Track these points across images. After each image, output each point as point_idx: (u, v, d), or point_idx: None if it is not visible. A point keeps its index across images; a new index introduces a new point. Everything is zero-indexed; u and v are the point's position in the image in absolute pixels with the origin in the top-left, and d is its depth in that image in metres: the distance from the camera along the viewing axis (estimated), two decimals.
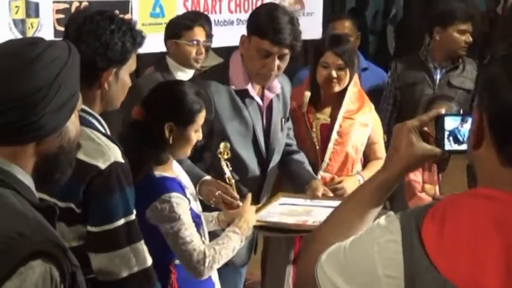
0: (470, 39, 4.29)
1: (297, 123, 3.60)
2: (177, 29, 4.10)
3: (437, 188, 3.73)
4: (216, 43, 4.57)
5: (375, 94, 4.16)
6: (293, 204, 3.17)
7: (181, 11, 5.15)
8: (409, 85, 4.35)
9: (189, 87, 2.64)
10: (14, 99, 1.45)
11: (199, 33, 4.08)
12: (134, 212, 2.14)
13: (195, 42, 4.06)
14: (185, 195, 2.60)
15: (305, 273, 1.44)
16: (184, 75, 3.99)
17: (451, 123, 1.52)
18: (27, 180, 1.50)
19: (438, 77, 4.34)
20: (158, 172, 2.59)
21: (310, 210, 3.07)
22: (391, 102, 4.45)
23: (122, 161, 2.10)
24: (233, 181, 2.93)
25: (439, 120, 1.53)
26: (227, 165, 2.96)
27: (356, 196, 1.57)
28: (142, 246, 2.14)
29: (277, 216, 3.02)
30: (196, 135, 2.64)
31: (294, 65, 3.66)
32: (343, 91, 3.63)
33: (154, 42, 5.13)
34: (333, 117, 3.62)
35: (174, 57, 4.10)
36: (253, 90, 3.17)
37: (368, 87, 4.22)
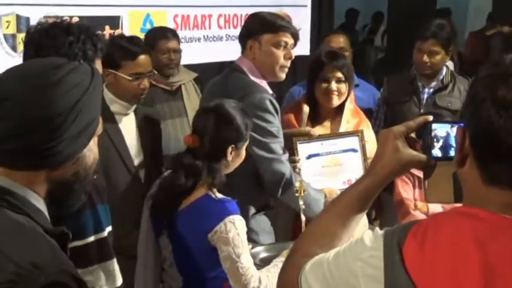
0: (426, 59, 4.23)
1: (289, 139, 3.59)
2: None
3: (431, 205, 3.71)
4: (205, 59, 4.62)
5: (366, 111, 4.21)
6: (317, 155, 3.51)
7: (171, 26, 5.19)
8: (398, 103, 4.37)
9: (233, 107, 2.77)
10: (31, 123, 1.44)
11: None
12: (107, 229, 2.16)
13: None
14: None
15: (288, 282, 1.46)
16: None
17: (438, 130, 1.51)
18: (41, 205, 1.48)
19: (425, 96, 4.35)
20: (219, 194, 2.67)
21: (337, 160, 3.51)
22: (382, 119, 4.46)
23: (94, 177, 2.16)
24: (304, 218, 3.02)
25: (426, 127, 1.52)
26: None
27: (339, 202, 1.55)
28: (114, 265, 2.15)
29: (318, 177, 3.46)
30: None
31: (283, 82, 3.77)
32: (341, 108, 3.69)
33: None
34: (333, 133, 3.67)
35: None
36: None
37: (360, 105, 4.26)
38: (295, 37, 3.41)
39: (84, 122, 1.50)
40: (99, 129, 1.58)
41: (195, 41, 5.62)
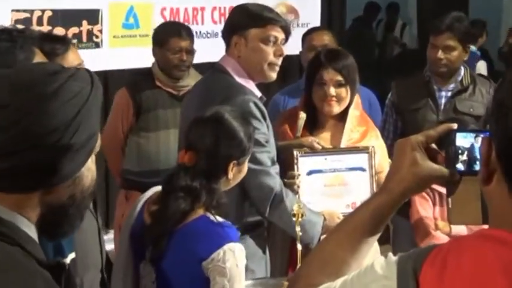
0: (440, 55, 4.21)
1: (289, 150, 3.55)
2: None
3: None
4: (198, 58, 4.62)
5: None
6: (319, 171, 3.50)
7: (158, 21, 5.18)
8: (411, 111, 4.32)
9: (234, 116, 2.75)
10: (26, 139, 1.38)
11: None
12: (70, 256, 2.13)
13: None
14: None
15: None
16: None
17: (463, 140, 1.49)
18: (32, 232, 1.43)
19: (443, 101, 4.31)
20: (219, 217, 2.63)
21: (342, 179, 3.53)
22: (392, 130, 4.42)
23: (90, 201, 2.08)
24: (300, 247, 2.99)
25: (449, 137, 1.50)
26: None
27: (348, 224, 1.52)
28: None
29: (318, 197, 3.47)
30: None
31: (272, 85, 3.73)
32: (344, 114, 3.62)
33: (126, 58, 5.16)
34: (333, 145, 3.63)
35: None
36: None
37: None
38: (287, 31, 3.36)
39: (84, 136, 1.44)
40: (98, 146, 1.53)
41: None
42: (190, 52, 4.48)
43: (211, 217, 2.62)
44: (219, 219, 2.63)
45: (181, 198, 2.62)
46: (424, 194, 3.79)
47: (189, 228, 2.62)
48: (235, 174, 2.76)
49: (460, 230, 3.56)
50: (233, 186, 3.05)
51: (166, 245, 2.64)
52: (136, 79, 4.65)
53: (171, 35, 4.45)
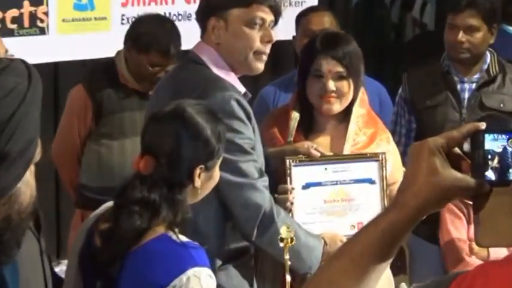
0: (461, 37, 4.26)
1: (280, 158, 3.57)
2: None
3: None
4: None
5: None
6: (317, 184, 3.52)
7: (118, 1, 5.19)
8: (427, 109, 4.41)
9: (198, 111, 2.78)
10: None
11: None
12: None
13: None
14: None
15: None
16: None
17: (493, 143, 1.50)
18: None
19: (466, 95, 4.38)
20: (182, 236, 2.67)
21: (346, 193, 3.54)
22: (404, 133, 4.48)
23: (30, 222, 2.11)
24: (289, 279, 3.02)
25: (476, 139, 1.50)
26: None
27: (353, 248, 1.53)
28: None
29: (316, 216, 3.48)
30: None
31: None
32: (346, 113, 3.64)
33: (78, 46, 5.15)
34: (334, 152, 3.64)
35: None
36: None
37: None
38: (276, 12, 3.38)
39: (21, 143, 1.46)
40: (38, 154, 1.54)
41: None
42: (170, 65, 4.47)
43: (174, 236, 2.64)
44: (183, 238, 2.66)
45: (136, 213, 2.64)
46: (456, 209, 3.84)
47: (147, 249, 2.65)
48: (204, 182, 2.79)
49: (501, 253, 3.57)
50: (212, 204, 3.08)
51: (119, 271, 2.66)
52: (95, 74, 4.67)
53: (156, 48, 4.46)
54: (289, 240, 2.93)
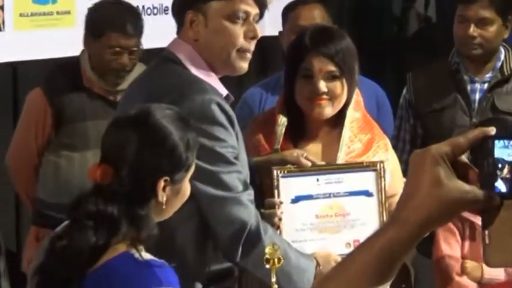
0: (473, 32, 4.28)
1: (267, 168, 3.59)
2: None
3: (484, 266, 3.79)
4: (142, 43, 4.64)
5: None
6: (308, 197, 3.54)
7: None
8: (434, 112, 4.45)
9: (165, 115, 2.81)
10: None
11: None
12: None
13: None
14: None
15: None
16: None
17: (504, 150, 1.50)
18: None
19: (477, 96, 4.42)
20: (144, 253, 2.68)
21: (340, 207, 3.55)
22: (409, 139, 4.52)
23: None
24: None
25: (485, 146, 1.50)
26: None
27: (348, 268, 1.53)
28: None
29: (307, 233, 3.50)
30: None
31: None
32: (340, 117, 3.67)
33: (38, 44, 5.14)
34: (327, 161, 3.65)
35: None
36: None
37: None
38: (261, 4, 3.41)
39: None
40: None
41: None
42: (135, 52, 4.56)
43: (136, 254, 2.65)
44: (147, 256, 2.67)
45: (91, 228, 2.67)
46: (450, 224, 3.81)
47: (107, 269, 2.67)
48: (171, 197, 2.80)
49: (496, 274, 3.59)
50: (191, 220, 3.08)
51: None
52: (55, 75, 4.68)
53: (110, 28, 4.51)
54: (276, 260, 2.95)
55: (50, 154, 4.57)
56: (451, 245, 3.92)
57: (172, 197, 2.81)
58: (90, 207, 2.68)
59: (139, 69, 4.51)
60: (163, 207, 2.80)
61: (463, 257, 3.91)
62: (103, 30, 4.47)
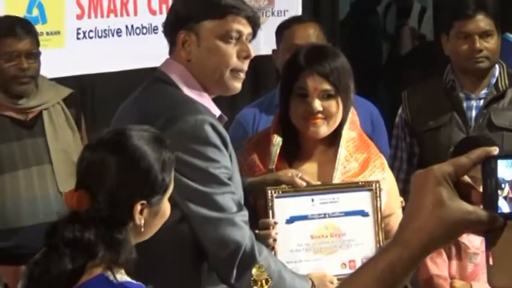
0: (479, 45, 4.28)
1: (261, 189, 3.60)
2: None
3: (476, 285, 3.87)
4: (128, 63, 4.64)
5: None
6: (303, 217, 3.56)
7: (72, 13, 5.25)
8: (430, 130, 4.47)
9: (141, 137, 2.79)
10: None
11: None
12: None
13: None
14: None
15: None
16: None
17: (507, 170, 1.50)
18: None
19: (473, 114, 4.43)
20: (120, 275, 2.67)
21: (335, 228, 3.57)
22: (406, 158, 4.53)
23: None
24: None
25: (488, 166, 1.51)
26: None
27: None
28: None
29: (302, 254, 3.54)
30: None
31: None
32: (335, 137, 3.67)
33: None
34: (323, 180, 3.66)
35: None
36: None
37: None
38: (254, 23, 3.41)
39: None
40: None
41: (112, 35, 5.58)
42: (33, 56, 4.49)
43: (111, 276, 2.65)
44: (122, 277, 2.66)
45: (67, 256, 2.66)
46: None
47: None
48: (149, 220, 2.79)
49: None
50: (184, 241, 3.05)
51: None
52: None
53: (1, 35, 4.48)
54: (264, 282, 2.93)
55: None
56: (437, 265, 3.96)
57: (151, 218, 2.81)
58: (66, 235, 2.68)
59: (53, 90, 4.58)
60: (142, 229, 2.79)
61: (451, 277, 3.95)
62: None
